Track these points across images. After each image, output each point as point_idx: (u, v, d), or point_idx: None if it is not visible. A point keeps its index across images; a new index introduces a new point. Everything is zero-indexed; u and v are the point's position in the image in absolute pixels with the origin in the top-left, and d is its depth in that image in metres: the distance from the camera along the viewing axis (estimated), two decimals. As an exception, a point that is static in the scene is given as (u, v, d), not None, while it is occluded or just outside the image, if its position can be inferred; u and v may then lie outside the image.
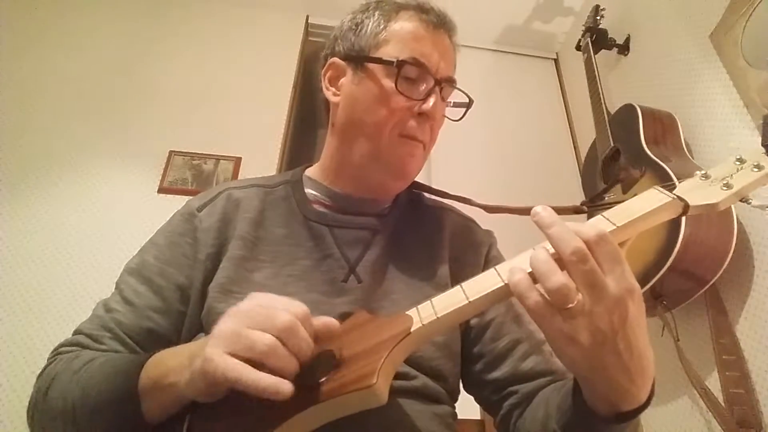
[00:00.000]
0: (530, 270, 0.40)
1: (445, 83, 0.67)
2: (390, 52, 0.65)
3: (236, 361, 0.39)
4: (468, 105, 0.73)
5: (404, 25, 0.66)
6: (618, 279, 0.38)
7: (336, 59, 0.70)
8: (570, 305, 0.37)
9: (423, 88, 0.65)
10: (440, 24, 0.68)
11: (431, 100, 0.64)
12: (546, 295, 0.38)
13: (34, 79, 1.79)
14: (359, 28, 0.68)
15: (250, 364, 0.39)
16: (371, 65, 0.65)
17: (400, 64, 0.63)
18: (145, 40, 1.97)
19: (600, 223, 0.41)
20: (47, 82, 1.80)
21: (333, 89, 0.70)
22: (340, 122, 0.69)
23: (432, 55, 0.65)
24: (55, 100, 1.77)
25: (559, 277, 0.38)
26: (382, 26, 0.67)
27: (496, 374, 0.63)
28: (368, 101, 0.65)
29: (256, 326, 0.41)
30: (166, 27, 2.02)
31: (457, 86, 0.70)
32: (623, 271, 0.38)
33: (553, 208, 0.41)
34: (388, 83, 0.64)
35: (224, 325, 0.42)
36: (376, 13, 0.68)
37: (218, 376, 0.38)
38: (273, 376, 0.38)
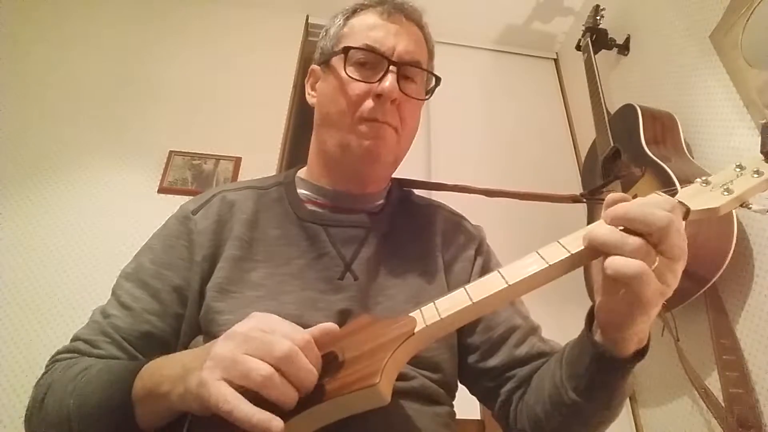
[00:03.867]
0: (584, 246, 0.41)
1: (406, 64, 0.67)
2: (346, 45, 0.67)
3: (231, 391, 0.38)
4: (435, 84, 0.74)
5: (361, 19, 0.70)
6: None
7: (314, 66, 0.75)
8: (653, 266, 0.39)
9: (379, 71, 0.66)
10: (397, 10, 0.70)
11: (387, 81, 0.64)
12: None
13: (34, 80, 1.79)
14: (327, 33, 0.73)
15: (246, 392, 0.39)
16: (332, 61, 0.69)
17: (346, 49, 0.66)
18: (145, 40, 1.97)
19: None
20: (47, 83, 1.80)
21: (312, 93, 0.74)
22: (316, 120, 0.73)
23: (386, 39, 0.67)
24: (55, 101, 1.77)
25: (635, 239, 0.39)
26: (341, 25, 0.71)
27: (492, 362, 0.64)
28: (331, 93, 0.68)
29: (254, 353, 0.40)
30: (166, 27, 2.02)
31: (422, 66, 0.70)
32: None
33: (552, 195, 0.41)
34: (344, 73, 0.66)
35: (222, 348, 0.41)
36: (339, 16, 0.73)
37: (211, 404, 0.38)
38: (265, 413, 0.38)
